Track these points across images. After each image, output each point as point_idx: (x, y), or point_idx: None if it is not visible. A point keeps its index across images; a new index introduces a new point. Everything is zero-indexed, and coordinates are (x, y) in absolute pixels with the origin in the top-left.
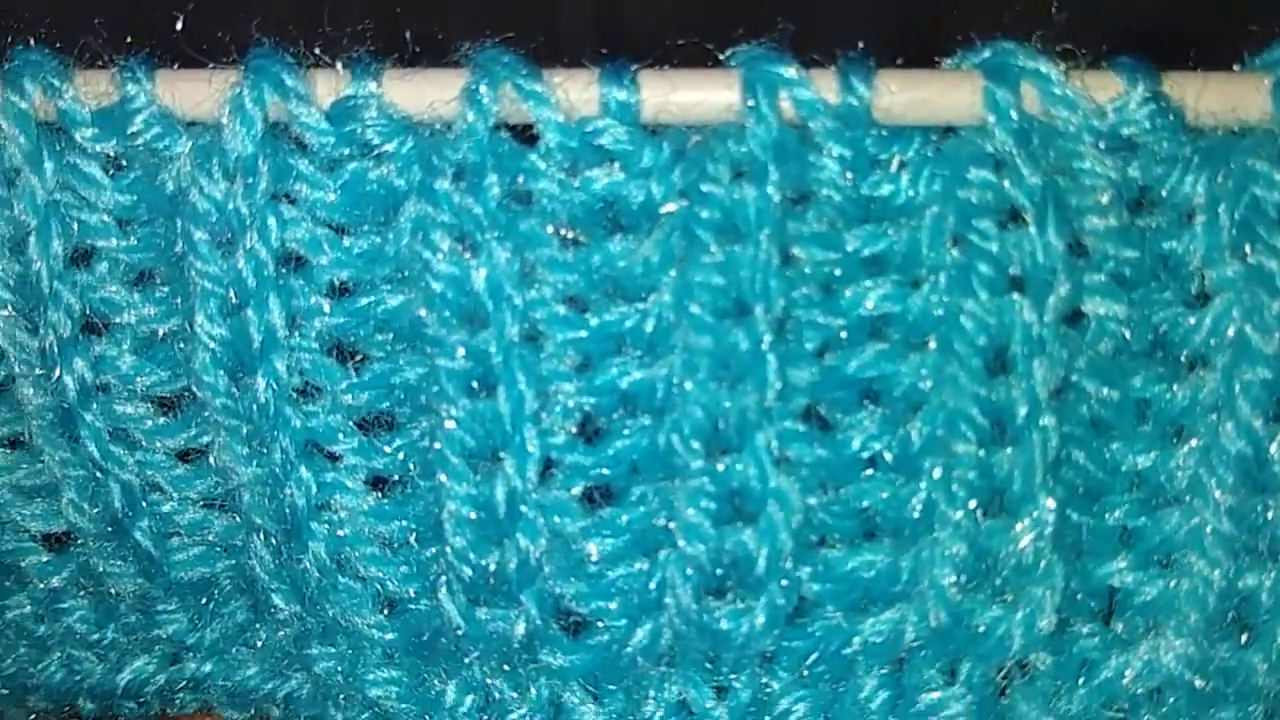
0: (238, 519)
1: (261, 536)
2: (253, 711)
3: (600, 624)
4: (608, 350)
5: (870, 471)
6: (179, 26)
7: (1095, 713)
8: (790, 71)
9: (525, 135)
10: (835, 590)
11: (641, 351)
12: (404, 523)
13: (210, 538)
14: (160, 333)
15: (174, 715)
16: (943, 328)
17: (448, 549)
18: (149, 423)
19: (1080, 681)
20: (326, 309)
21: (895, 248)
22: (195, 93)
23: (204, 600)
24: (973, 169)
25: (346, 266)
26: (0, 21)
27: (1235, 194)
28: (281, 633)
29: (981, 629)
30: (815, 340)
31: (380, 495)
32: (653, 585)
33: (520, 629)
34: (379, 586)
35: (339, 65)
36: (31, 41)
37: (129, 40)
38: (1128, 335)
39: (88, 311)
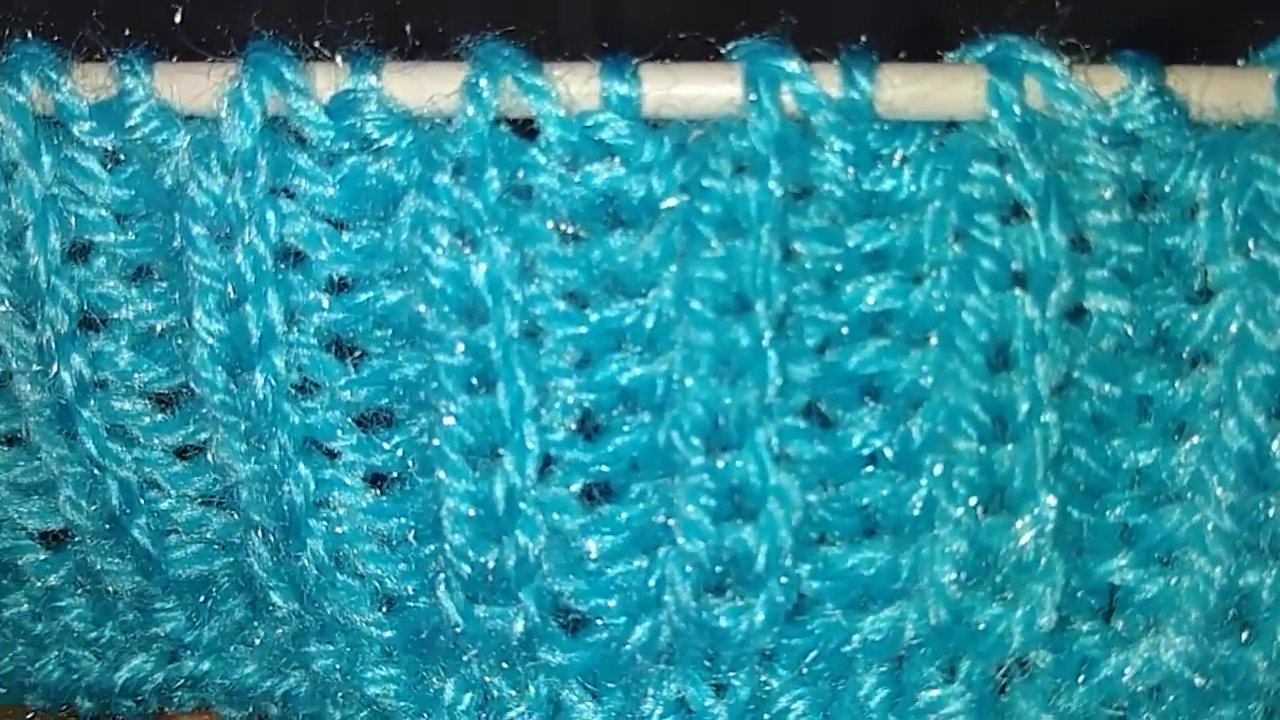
0: (236, 516)
1: (260, 534)
2: (251, 709)
3: (599, 621)
4: (608, 346)
5: (871, 468)
6: (177, 20)
7: (1095, 711)
8: (792, 65)
9: (526, 129)
10: (835, 588)
11: (641, 347)
12: (403, 520)
13: (208, 535)
14: (158, 328)
15: (172, 714)
16: (944, 323)
17: (446, 546)
18: (147, 419)
19: (1080, 679)
20: (325, 304)
21: (897, 243)
22: (194, 86)
23: (202, 598)
24: (975, 164)
25: (345, 262)
26: None
27: (1239, 189)
28: (280, 630)
29: (981, 626)
30: (816, 336)
31: (379, 492)
32: (652, 583)
33: (519, 627)
34: (377, 584)
35: (338, 59)
36: (29, 34)
37: (127, 33)
38: (1130, 331)
39: (85, 307)
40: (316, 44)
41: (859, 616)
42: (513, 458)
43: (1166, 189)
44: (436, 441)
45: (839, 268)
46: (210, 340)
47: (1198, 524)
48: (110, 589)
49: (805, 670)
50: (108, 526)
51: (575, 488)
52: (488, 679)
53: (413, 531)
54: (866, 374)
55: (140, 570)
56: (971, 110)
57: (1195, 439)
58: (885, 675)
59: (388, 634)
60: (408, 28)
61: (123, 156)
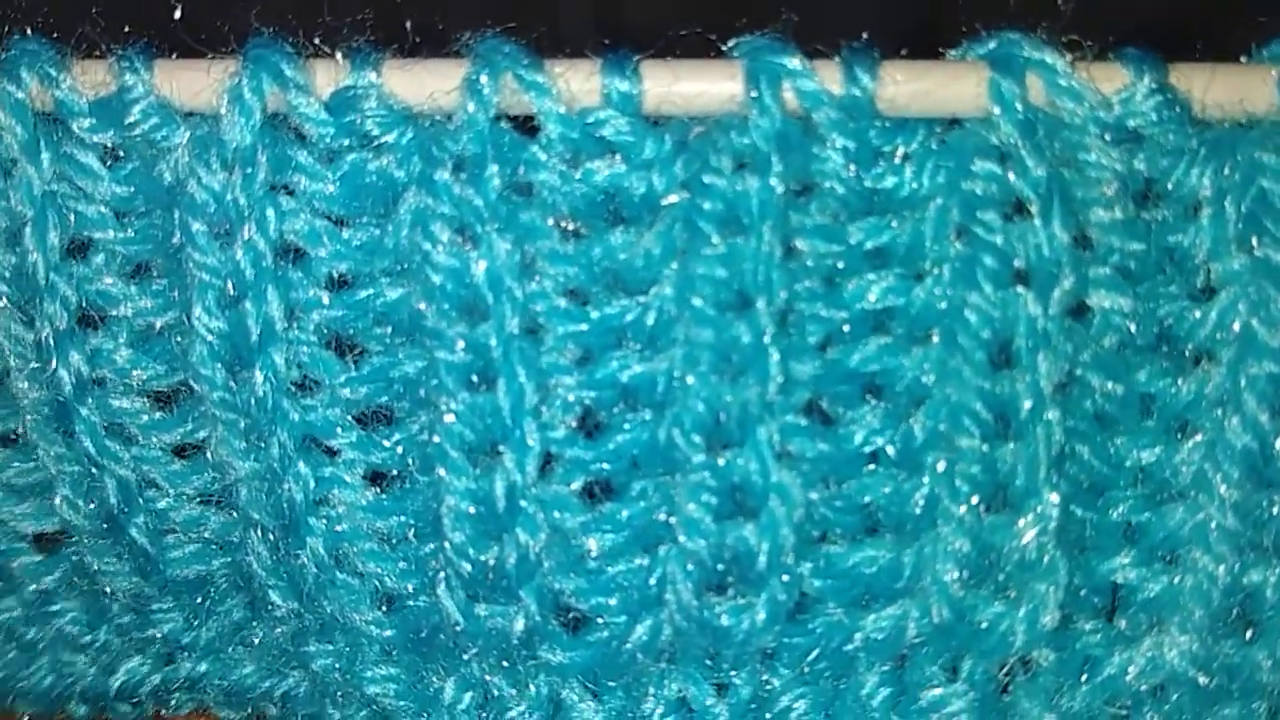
0: (234, 515)
1: (259, 532)
2: (249, 710)
3: (600, 620)
4: (608, 343)
5: (872, 466)
6: (177, 16)
7: (1098, 710)
8: (794, 62)
9: (526, 126)
10: (837, 586)
11: (642, 345)
12: (402, 518)
13: (206, 535)
14: (156, 326)
15: (169, 716)
16: (946, 321)
17: (446, 544)
18: (145, 417)
19: (1083, 678)
20: (325, 301)
21: (899, 240)
22: (193, 83)
23: (199, 599)
24: (977, 161)
25: (345, 259)
26: None
27: (1242, 187)
28: (279, 630)
29: (984, 625)
30: (818, 334)
31: (379, 490)
32: (653, 581)
33: (519, 625)
34: (377, 583)
35: (338, 55)
36: (29, 31)
37: (127, 30)
38: (1133, 329)
39: (84, 304)
40: (316, 41)
41: (861, 615)
42: (513, 455)
43: (1169, 186)
44: (437, 439)
45: (841, 265)
46: (210, 337)
47: (1201, 522)
48: (106, 590)
49: (807, 669)
50: (105, 526)
51: (576, 486)
52: (488, 678)
53: (413, 530)
54: (868, 371)
55: (138, 570)
56: (973, 107)
57: (1198, 437)
58: (887, 674)
59: (387, 633)
60: (408, 24)
61: (122, 153)
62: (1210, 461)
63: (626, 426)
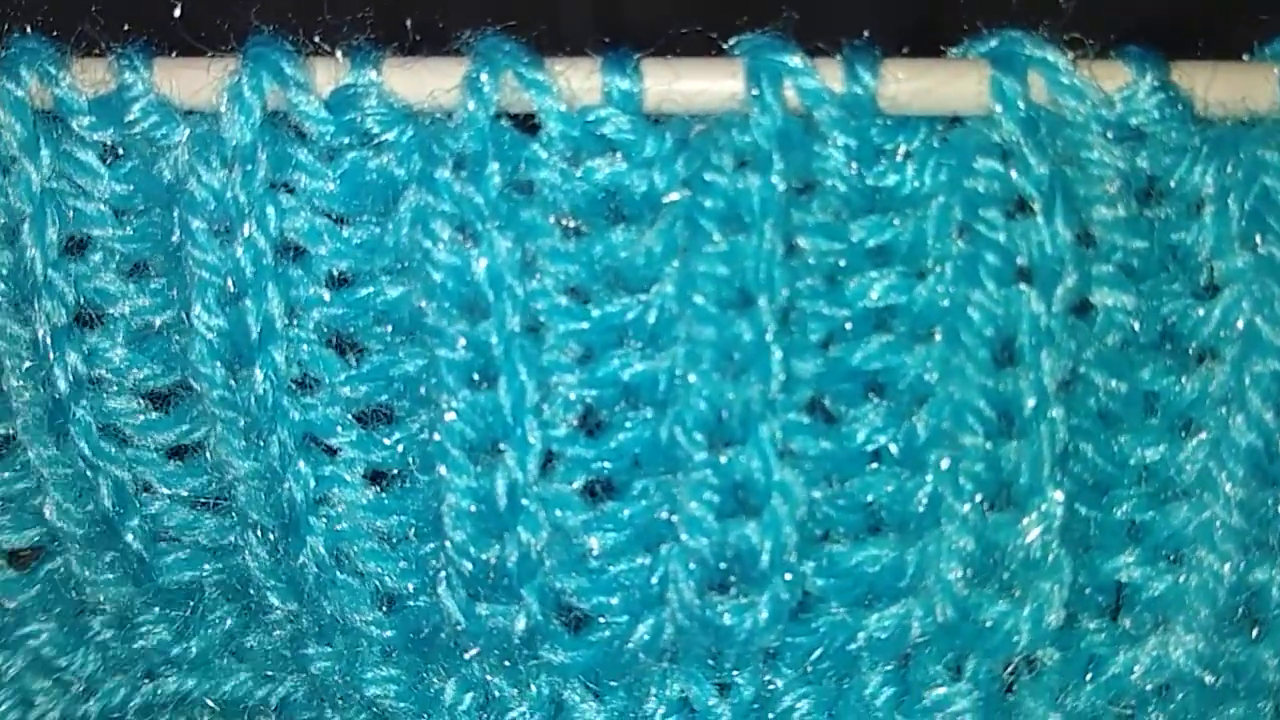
0: (230, 518)
1: (258, 533)
2: None
3: (601, 620)
4: (610, 342)
5: (875, 465)
6: (177, 14)
7: (1103, 709)
8: (795, 60)
9: (527, 124)
10: (840, 585)
11: (644, 343)
12: (403, 517)
13: (201, 539)
14: (153, 325)
15: None
16: (949, 319)
17: (447, 543)
18: (141, 418)
19: (1088, 677)
20: (325, 299)
21: (901, 238)
22: (193, 81)
23: (189, 608)
24: (979, 159)
25: (345, 257)
26: None
27: (1245, 184)
28: (276, 634)
29: (988, 624)
30: (820, 332)
31: (379, 489)
32: (655, 580)
33: (521, 624)
34: (377, 582)
35: (338, 54)
36: (28, 29)
37: (126, 28)
38: (1136, 327)
39: (81, 302)
40: (316, 39)
41: (864, 614)
42: (514, 453)
43: (1172, 184)
44: (437, 437)
45: (842, 263)
46: (209, 335)
47: (1206, 521)
48: (91, 604)
49: (810, 668)
50: (98, 531)
51: (577, 484)
52: (489, 678)
53: (413, 529)
54: (871, 370)
55: (130, 577)
56: (975, 105)
57: (1203, 435)
58: (891, 673)
59: (388, 633)
60: (408, 23)
61: (122, 151)
62: (1215, 459)
63: (628, 425)
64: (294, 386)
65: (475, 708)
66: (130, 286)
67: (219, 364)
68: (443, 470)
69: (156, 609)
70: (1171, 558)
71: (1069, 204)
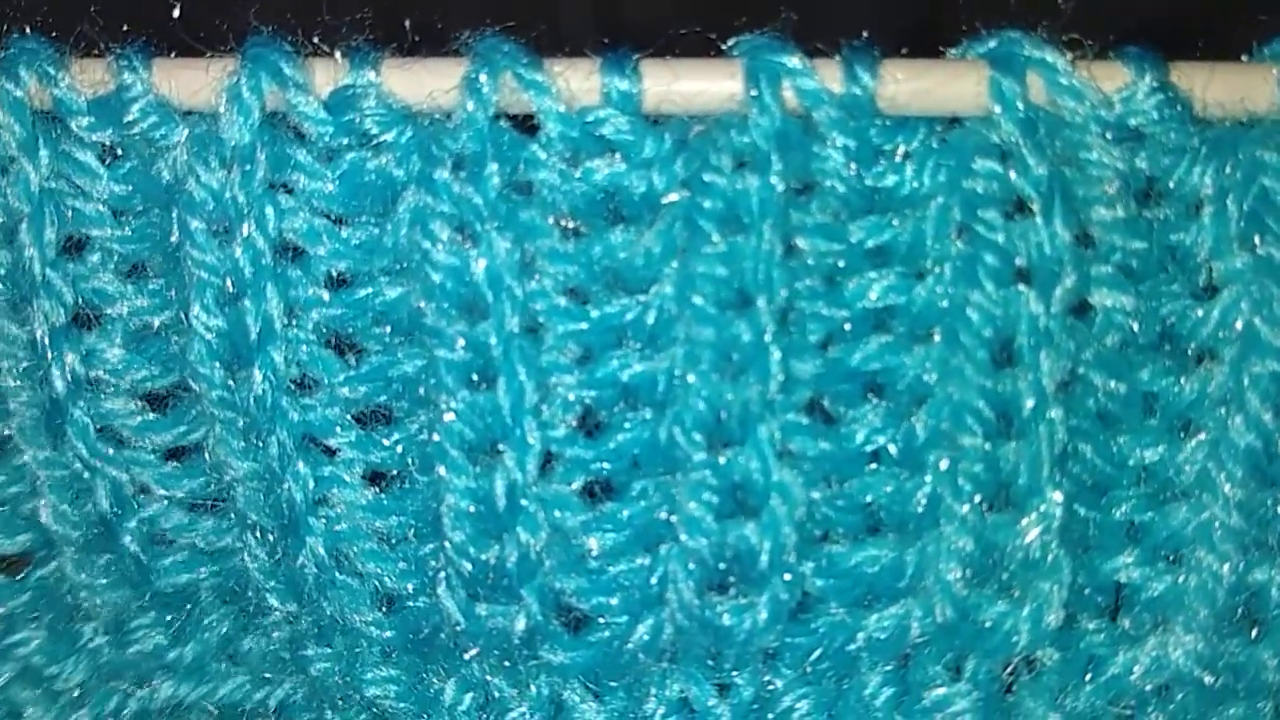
0: (226, 521)
1: (257, 534)
2: None
3: (601, 620)
4: (609, 342)
5: (874, 465)
6: (176, 15)
7: (1103, 709)
8: (794, 61)
9: (526, 125)
10: (839, 585)
11: (643, 343)
12: (402, 518)
13: (197, 542)
14: (151, 326)
15: None
16: (948, 320)
17: (447, 544)
18: (138, 419)
19: (1087, 678)
20: (324, 300)
21: (900, 239)
22: (192, 82)
23: (185, 612)
24: (978, 159)
25: (344, 257)
26: None
27: (1244, 185)
28: (274, 635)
29: (987, 624)
30: (819, 332)
31: (378, 490)
32: (654, 580)
33: (520, 625)
34: (377, 583)
35: (337, 55)
36: (28, 30)
37: (125, 29)
38: (1135, 327)
39: (79, 302)
40: (315, 40)
41: (863, 614)
42: (514, 454)
43: (1170, 185)
44: (437, 437)
45: (841, 263)
46: (208, 336)
47: (1205, 521)
48: (84, 610)
49: (809, 669)
50: (95, 533)
51: (576, 485)
52: (489, 679)
53: (412, 530)
54: (870, 370)
55: (126, 581)
56: (974, 106)
57: (1202, 436)
58: (890, 674)
59: (387, 634)
60: (407, 23)
61: (120, 152)
62: (1214, 460)
63: (627, 425)
64: (293, 387)
65: (475, 708)
66: (128, 287)
67: (218, 364)
68: (442, 471)
69: (151, 613)
70: (1171, 558)
71: (1068, 205)
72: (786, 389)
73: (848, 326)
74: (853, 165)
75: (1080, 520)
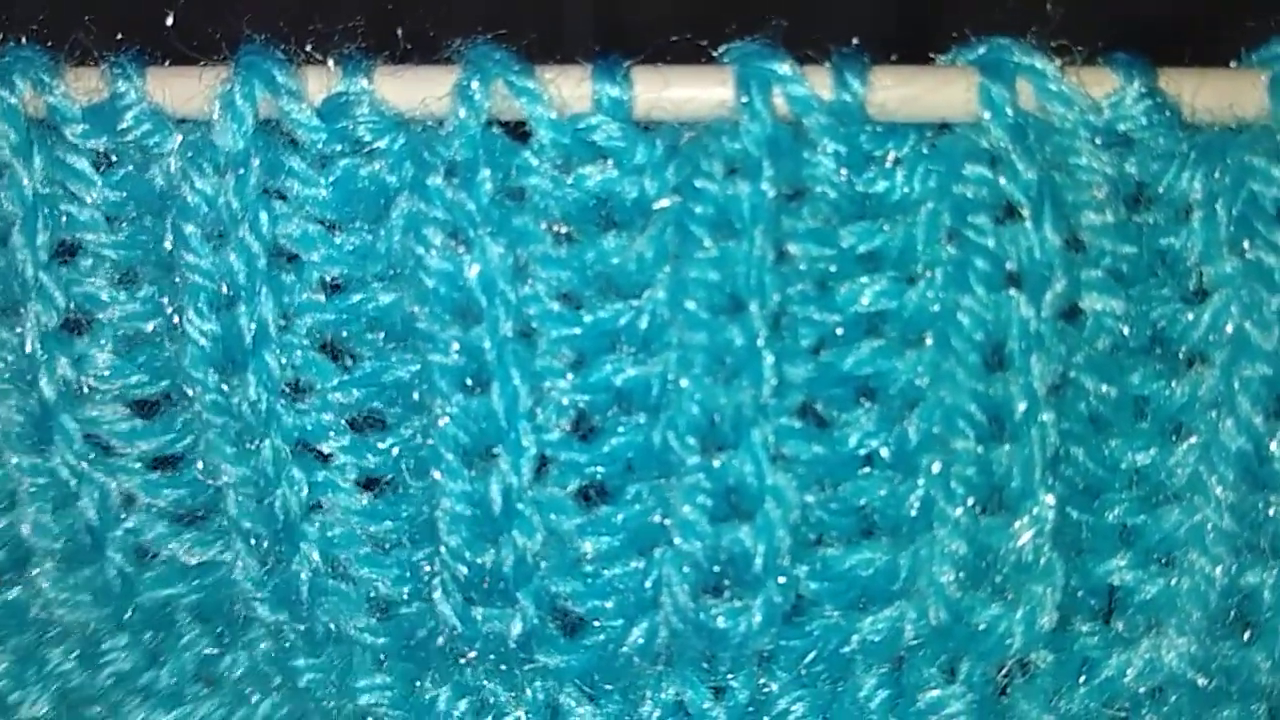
0: (211, 533)
1: (249, 542)
2: None
3: (596, 623)
4: (602, 347)
5: (868, 469)
6: (170, 23)
7: (1096, 712)
8: (784, 68)
9: (518, 132)
10: (833, 588)
11: (636, 348)
12: (396, 523)
13: (181, 554)
14: (142, 333)
15: None
16: (939, 324)
17: (442, 548)
18: (126, 426)
19: (1081, 680)
20: (318, 305)
21: (891, 244)
22: (186, 89)
23: (162, 631)
24: (968, 165)
25: (338, 263)
26: None
27: (1233, 190)
28: (258, 649)
29: (981, 627)
30: (811, 337)
31: (372, 495)
32: (649, 584)
33: (517, 628)
34: (371, 589)
35: (330, 62)
36: (22, 38)
37: (119, 37)
38: (1126, 331)
39: (70, 307)
40: (308, 47)
41: (858, 617)
42: (509, 458)
43: (1160, 190)
44: (431, 442)
45: (833, 269)
46: (202, 340)
47: (1197, 524)
48: (56, 630)
49: (804, 672)
50: (78, 545)
51: (571, 488)
52: (484, 684)
53: (407, 535)
54: (862, 374)
55: (107, 595)
56: (964, 112)
57: (1193, 439)
58: (885, 676)
59: (381, 640)
60: (399, 31)
61: (114, 159)
62: (1205, 463)
63: (621, 430)
64: (287, 392)
65: (470, 714)
66: (120, 293)
67: (211, 369)
68: (437, 475)
69: (125, 635)
70: (1163, 561)
71: (1057, 210)
72: (779, 393)
73: (840, 331)
74: (843, 171)
75: (1073, 523)
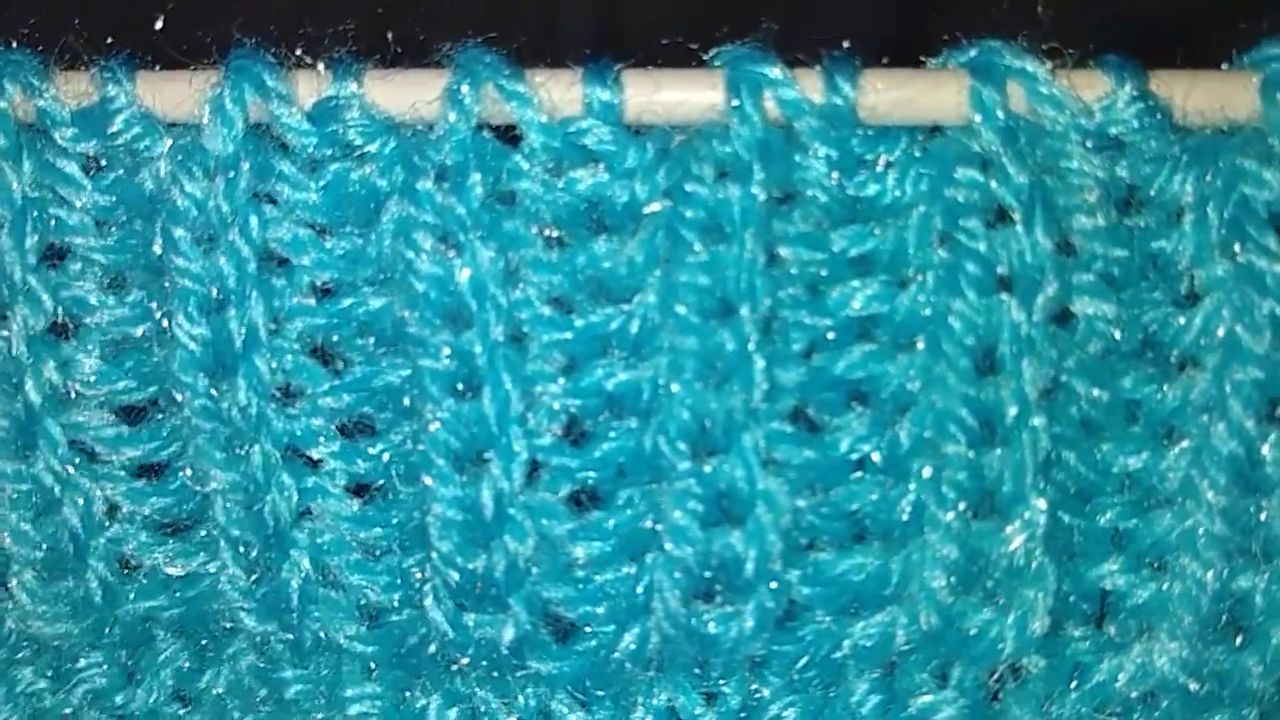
0: (195, 544)
1: (238, 549)
2: None
3: (588, 629)
4: (593, 351)
5: (859, 473)
6: (159, 27)
7: (1088, 717)
8: (775, 71)
9: (508, 136)
10: (825, 593)
11: (627, 353)
12: (387, 529)
13: (164, 565)
14: (130, 338)
15: None
16: (931, 328)
17: (434, 554)
18: (112, 432)
19: (1073, 685)
20: (308, 310)
21: (882, 248)
22: (176, 93)
23: (141, 647)
24: (959, 168)
25: (328, 268)
26: None
27: (1224, 193)
28: (245, 661)
29: (973, 632)
30: (802, 341)
31: (363, 502)
32: (640, 589)
33: (509, 634)
34: (362, 596)
35: (320, 66)
36: (12, 42)
37: (109, 41)
38: (1117, 335)
39: (58, 311)
40: (298, 52)
41: (849, 622)
42: (500, 463)
43: (1151, 193)
44: (422, 447)
45: (824, 272)
46: (192, 345)
47: (1189, 528)
48: (29, 646)
49: (796, 677)
50: (57, 555)
51: (563, 494)
52: (476, 691)
53: (397, 541)
54: (853, 378)
55: (88, 606)
56: (955, 115)
57: (1185, 443)
58: (877, 681)
59: (371, 649)
60: (389, 35)
61: (104, 162)
62: (1197, 467)
63: (612, 434)
64: (277, 397)
65: None
66: (108, 297)
67: (201, 374)
68: (428, 480)
69: (101, 652)
70: (1155, 565)
71: (1049, 213)
72: (770, 397)
73: (831, 335)
74: (834, 175)
75: (1065, 527)
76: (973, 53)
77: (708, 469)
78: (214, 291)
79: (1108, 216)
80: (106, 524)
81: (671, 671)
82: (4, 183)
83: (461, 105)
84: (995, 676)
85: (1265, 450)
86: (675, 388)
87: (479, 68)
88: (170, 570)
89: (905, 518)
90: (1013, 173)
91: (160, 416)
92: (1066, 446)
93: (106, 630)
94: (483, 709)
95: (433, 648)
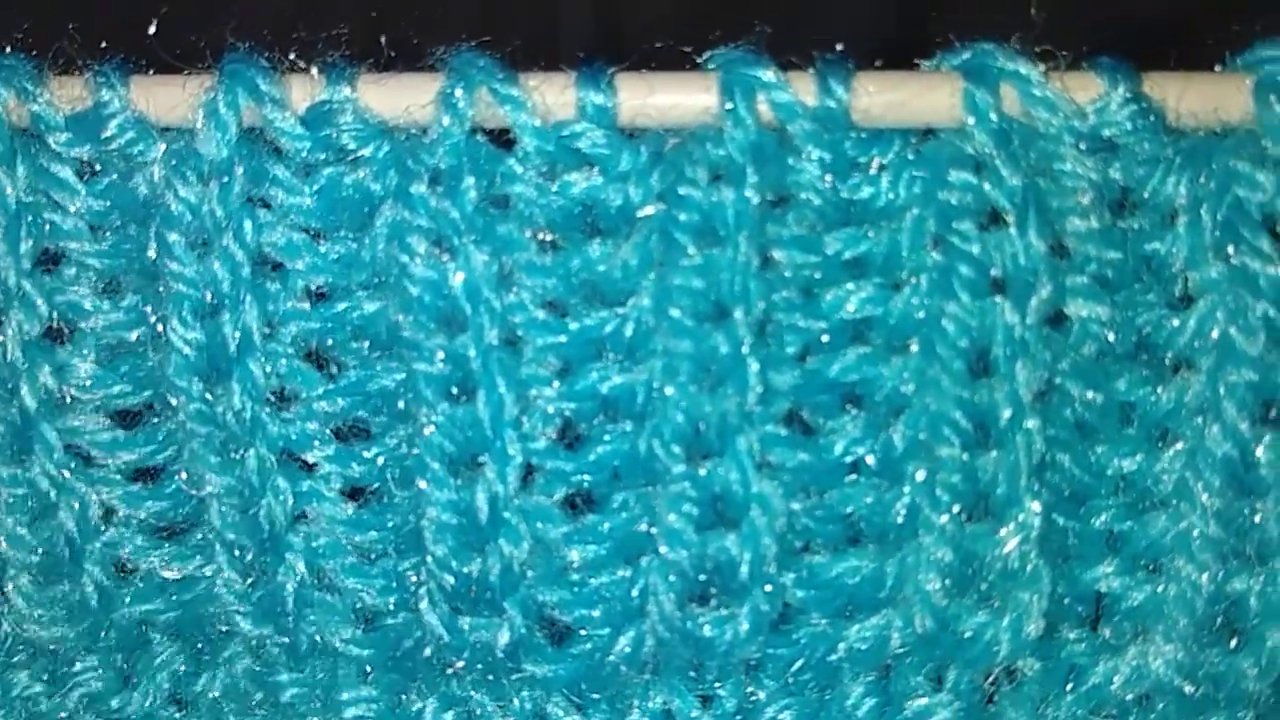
0: (191, 547)
1: (233, 553)
2: None
3: (583, 632)
4: (587, 355)
5: (853, 476)
6: (153, 31)
7: (1083, 719)
8: (768, 74)
9: (502, 139)
10: (820, 596)
11: (621, 356)
12: (382, 533)
13: (159, 569)
14: (124, 343)
15: None
16: (924, 330)
17: (429, 557)
18: (107, 436)
19: (1068, 687)
20: (303, 314)
21: (876, 250)
22: (170, 98)
23: (136, 650)
24: (953, 171)
25: (322, 272)
26: None
27: (1217, 195)
28: (240, 665)
29: (968, 635)
30: (796, 344)
31: (358, 505)
32: (635, 592)
33: (504, 638)
34: (357, 600)
35: (314, 70)
36: (6, 47)
37: (103, 45)
38: (1111, 337)
39: (53, 316)
40: (292, 56)
41: (845, 625)
42: (495, 466)
43: (1145, 195)
44: (417, 451)
45: (818, 275)
46: (186, 349)
47: (1184, 530)
48: (24, 650)
49: (792, 680)
50: (52, 559)
51: (557, 497)
52: (471, 694)
53: (393, 545)
54: (848, 381)
55: (84, 610)
56: (948, 118)
57: (1179, 445)
58: (872, 684)
59: (366, 652)
60: (383, 39)
61: (98, 167)
62: (1191, 469)
63: (607, 438)
64: (272, 400)
65: None
66: (103, 302)
67: (196, 378)
68: (423, 484)
69: (97, 655)
70: (1150, 567)
71: (1042, 215)
72: (765, 400)
73: (825, 338)
74: (828, 177)
75: (1059, 530)
76: (966, 55)
77: (702, 472)
78: (208, 296)
79: (1101, 219)
80: (102, 528)
81: (667, 674)
82: None
83: (455, 109)
84: (990, 679)
85: (1259, 452)
86: (670, 391)
87: (473, 71)
88: (166, 574)
89: (900, 520)
90: (1006, 175)
91: (155, 421)
92: (1061, 449)
93: (102, 634)
94: (478, 712)
95: (428, 651)
